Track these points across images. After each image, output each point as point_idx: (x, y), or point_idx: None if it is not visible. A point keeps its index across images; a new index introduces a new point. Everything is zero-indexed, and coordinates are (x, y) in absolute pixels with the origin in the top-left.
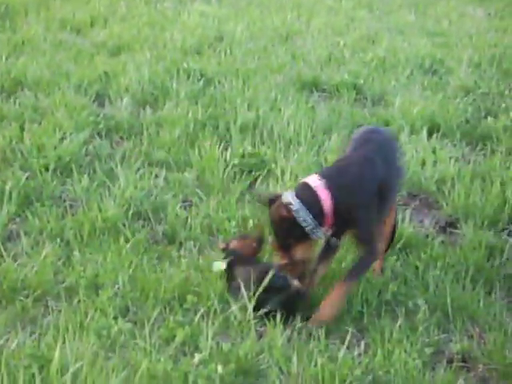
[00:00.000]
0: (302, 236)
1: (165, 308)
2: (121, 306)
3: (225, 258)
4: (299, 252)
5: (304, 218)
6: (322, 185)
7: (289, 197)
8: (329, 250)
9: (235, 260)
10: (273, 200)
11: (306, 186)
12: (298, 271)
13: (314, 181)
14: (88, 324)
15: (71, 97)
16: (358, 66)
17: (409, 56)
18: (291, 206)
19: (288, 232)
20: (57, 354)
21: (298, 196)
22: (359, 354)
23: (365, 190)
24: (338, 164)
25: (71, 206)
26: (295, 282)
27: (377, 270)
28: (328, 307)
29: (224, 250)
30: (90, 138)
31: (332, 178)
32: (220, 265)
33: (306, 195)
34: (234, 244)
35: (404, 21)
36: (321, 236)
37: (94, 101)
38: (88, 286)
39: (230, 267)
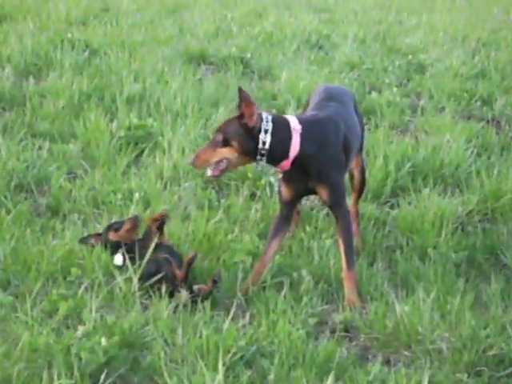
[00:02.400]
0: (248, 150)
1: (48, 281)
2: (1, 279)
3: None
4: (227, 153)
5: (263, 139)
6: (298, 130)
7: (267, 116)
8: (281, 226)
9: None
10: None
11: (286, 123)
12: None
13: (295, 123)
14: None
15: None
16: (246, 40)
17: (296, 31)
18: (264, 121)
19: (240, 134)
20: None
21: (274, 122)
22: (244, 325)
23: (333, 146)
24: (311, 117)
25: None
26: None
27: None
28: (352, 299)
29: (106, 243)
30: None
31: (305, 127)
32: (120, 259)
33: (282, 129)
34: (112, 236)
35: None
36: (261, 166)
37: None
38: None
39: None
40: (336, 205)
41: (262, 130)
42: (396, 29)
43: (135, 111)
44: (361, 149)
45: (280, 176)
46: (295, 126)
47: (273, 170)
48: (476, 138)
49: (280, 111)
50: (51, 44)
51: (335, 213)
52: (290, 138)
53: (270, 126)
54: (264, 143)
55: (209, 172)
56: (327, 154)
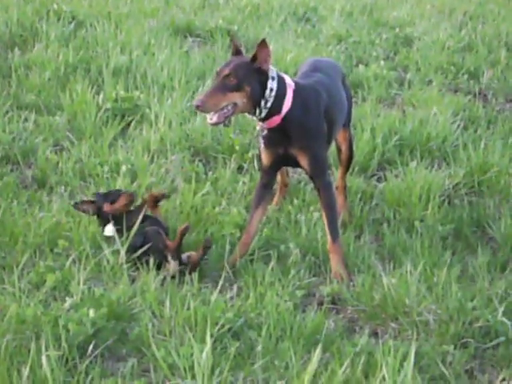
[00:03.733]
0: (257, 96)
1: (35, 253)
2: None
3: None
4: (238, 97)
5: (271, 85)
6: (292, 86)
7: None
8: (263, 195)
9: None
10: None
11: (283, 77)
12: None
13: (289, 80)
14: None
15: None
16: (232, 12)
17: (282, 3)
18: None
19: (254, 79)
20: None
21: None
22: (231, 298)
23: (314, 113)
24: (298, 82)
25: None
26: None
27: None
28: (339, 272)
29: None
30: None
31: (295, 87)
32: (111, 229)
33: (282, 81)
34: (107, 207)
35: None
36: (258, 116)
37: None
38: None
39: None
40: (317, 175)
41: (270, 76)
42: (383, 2)
43: (122, 83)
44: (349, 123)
45: (261, 139)
46: (290, 83)
47: (258, 127)
48: (463, 112)
49: None
50: (37, 15)
51: (317, 184)
52: (285, 90)
53: (275, 74)
54: (271, 90)
55: (213, 118)
56: (309, 119)
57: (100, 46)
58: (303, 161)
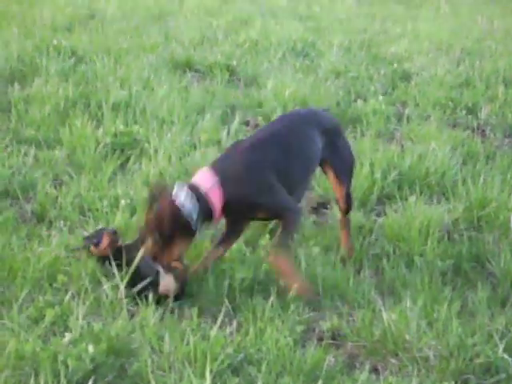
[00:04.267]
0: (187, 232)
1: (34, 288)
2: None
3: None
4: (178, 248)
5: (191, 214)
6: (213, 184)
7: (178, 193)
8: (231, 233)
9: None
10: (158, 194)
11: (195, 188)
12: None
13: (206, 180)
14: None
15: None
16: (231, 47)
17: (281, 39)
18: (179, 203)
19: (173, 228)
20: None
21: (187, 195)
22: (231, 333)
23: (254, 179)
24: (227, 153)
25: None
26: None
27: (344, 247)
28: (293, 284)
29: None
30: None
31: (223, 171)
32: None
33: (196, 196)
34: (93, 251)
35: (276, 4)
36: (201, 232)
37: None
38: None
39: None
40: (281, 215)
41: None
42: (381, 37)
43: (121, 118)
44: (346, 178)
45: None
46: (206, 186)
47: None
48: (461, 147)
49: (266, 119)
50: (37, 50)
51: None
52: (206, 200)
53: (186, 199)
54: (191, 217)
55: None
56: (250, 192)
57: (100, 81)
58: (264, 216)
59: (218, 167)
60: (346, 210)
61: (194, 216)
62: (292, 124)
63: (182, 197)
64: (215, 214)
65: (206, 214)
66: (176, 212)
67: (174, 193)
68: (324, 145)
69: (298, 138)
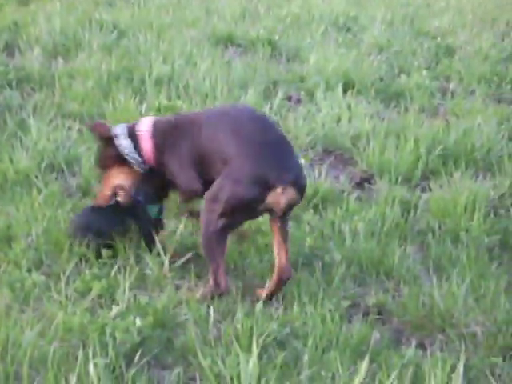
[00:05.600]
0: (120, 159)
1: (80, 261)
2: (34, 259)
3: None
4: (117, 176)
5: (121, 142)
6: (148, 130)
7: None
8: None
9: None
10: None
11: (132, 128)
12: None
13: (144, 125)
14: (0, 276)
15: None
16: (273, 22)
17: (323, 13)
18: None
19: (107, 153)
20: None
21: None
22: (276, 308)
23: (180, 150)
24: (172, 118)
25: None
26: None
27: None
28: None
29: None
30: (0, 89)
31: (161, 129)
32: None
33: (131, 132)
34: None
35: None
36: (138, 162)
37: (3, 51)
38: (0, 238)
39: None
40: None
41: (114, 136)
42: (424, 11)
43: (164, 92)
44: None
45: None
46: (142, 129)
47: None
48: (507, 122)
49: (309, 93)
50: (79, 24)
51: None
52: (136, 137)
53: (120, 131)
54: (121, 146)
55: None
56: (170, 153)
57: (142, 56)
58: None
59: (158, 121)
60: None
61: (129, 151)
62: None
63: (118, 132)
64: (144, 154)
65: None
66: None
67: (113, 130)
68: None
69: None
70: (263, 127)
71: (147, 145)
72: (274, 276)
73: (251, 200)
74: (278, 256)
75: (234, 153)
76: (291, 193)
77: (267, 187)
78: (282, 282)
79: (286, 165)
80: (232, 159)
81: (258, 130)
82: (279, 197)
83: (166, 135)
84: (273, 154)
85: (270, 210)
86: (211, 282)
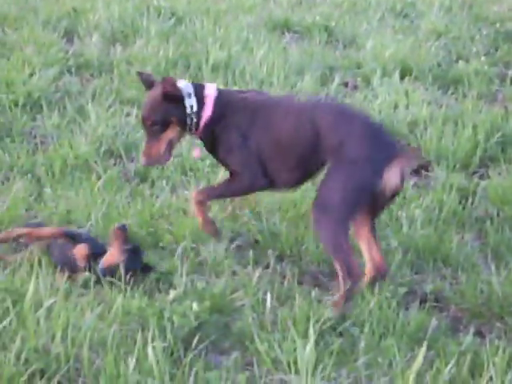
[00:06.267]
0: (181, 119)
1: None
2: None
3: None
4: (169, 134)
5: (190, 102)
6: (213, 96)
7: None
8: None
9: None
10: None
11: (201, 88)
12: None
13: (211, 89)
14: None
15: (40, 33)
16: (330, 8)
17: None
18: (181, 87)
19: (169, 110)
20: (30, 289)
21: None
22: (332, 294)
23: (242, 121)
24: (238, 93)
25: (42, 143)
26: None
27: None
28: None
29: None
30: (60, 75)
31: (226, 98)
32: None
33: (198, 92)
34: None
35: None
36: (193, 130)
37: (62, 37)
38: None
39: None
40: (234, 170)
41: (186, 95)
42: None
43: (221, 78)
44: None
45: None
46: (210, 92)
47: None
48: None
49: (365, 80)
50: (137, 11)
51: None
52: (204, 100)
53: (190, 89)
54: (191, 107)
55: (162, 161)
56: (227, 129)
57: (199, 42)
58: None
59: (227, 91)
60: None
61: (194, 112)
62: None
63: (187, 91)
64: (204, 114)
65: (198, 112)
66: (176, 90)
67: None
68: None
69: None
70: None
71: (208, 111)
72: (369, 272)
73: (370, 182)
74: (370, 253)
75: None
76: (406, 162)
77: (382, 166)
78: (378, 278)
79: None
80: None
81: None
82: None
83: (233, 110)
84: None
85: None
86: (345, 278)
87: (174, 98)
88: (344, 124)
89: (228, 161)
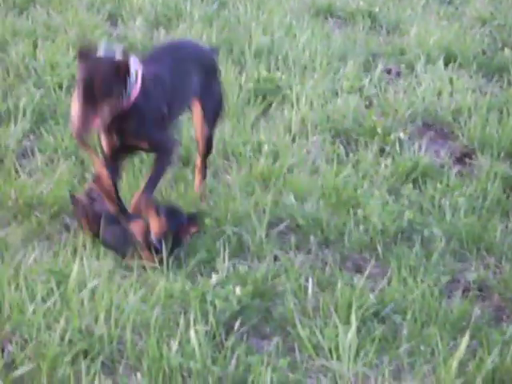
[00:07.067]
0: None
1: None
2: None
3: None
4: (107, 108)
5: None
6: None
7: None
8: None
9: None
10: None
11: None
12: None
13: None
14: None
15: (84, 15)
16: None
17: None
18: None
19: (115, 83)
20: (74, 270)
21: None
22: (375, 281)
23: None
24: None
25: None
26: None
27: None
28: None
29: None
30: None
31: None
32: None
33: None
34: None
35: None
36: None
37: (106, 20)
38: None
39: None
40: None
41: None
42: None
43: (264, 64)
44: (211, 122)
45: None
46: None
47: None
48: None
49: (409, 66)
50: None
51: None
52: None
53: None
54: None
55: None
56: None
57: (242, 27)
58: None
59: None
60: (206, 153)
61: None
62: (179, 58)
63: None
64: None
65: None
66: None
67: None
68: (199, 83)
69: (181, 74)
70: None
71: (138, 87)
72: None
73: None
74: None
75: None
76: None
77: None
78: None
79: None
80: None
81: None
82: None
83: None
84: None
85: None
86: None
87: (126, 72)
88: None
89: (148, 138)
